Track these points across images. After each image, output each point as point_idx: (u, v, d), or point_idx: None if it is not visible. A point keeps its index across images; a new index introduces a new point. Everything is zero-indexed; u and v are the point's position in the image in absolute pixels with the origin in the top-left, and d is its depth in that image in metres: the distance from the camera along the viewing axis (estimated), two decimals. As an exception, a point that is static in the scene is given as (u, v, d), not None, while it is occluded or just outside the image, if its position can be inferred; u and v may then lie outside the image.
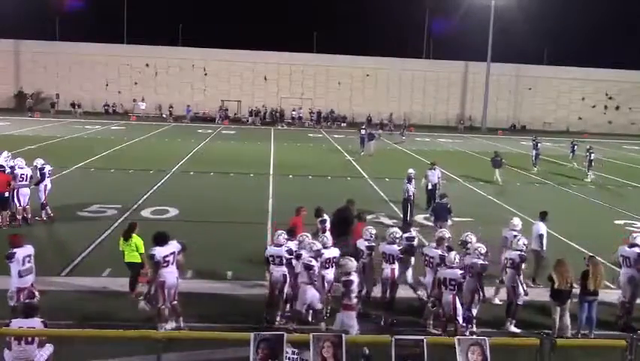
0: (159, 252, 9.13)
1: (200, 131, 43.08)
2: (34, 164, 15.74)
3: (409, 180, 16.87)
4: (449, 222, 14.40)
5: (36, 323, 6.94)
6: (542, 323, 10.08)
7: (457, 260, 9.28)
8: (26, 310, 7.13)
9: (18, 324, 6.89)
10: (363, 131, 33.67)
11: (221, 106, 54.29)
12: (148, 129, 41.81)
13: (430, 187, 18.31)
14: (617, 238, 11.88)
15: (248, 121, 52.84)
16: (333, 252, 9.96)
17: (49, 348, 7.17)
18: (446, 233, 10.62)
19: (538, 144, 29.85)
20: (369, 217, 17.35)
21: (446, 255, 9.72)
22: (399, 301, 10.32)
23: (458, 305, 9.11)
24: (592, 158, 26.63)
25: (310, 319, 9.77)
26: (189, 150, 31.06)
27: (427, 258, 10.17)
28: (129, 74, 56.80)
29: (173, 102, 53.08)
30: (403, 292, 10.58)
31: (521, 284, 9.90)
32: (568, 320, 9.70)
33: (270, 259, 9.75)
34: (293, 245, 9.93)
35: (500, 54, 55.03)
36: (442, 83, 60.15)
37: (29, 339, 6.90)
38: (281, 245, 9.77)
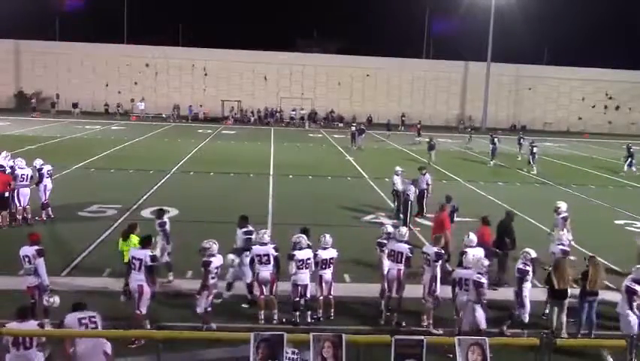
0: (133, 250, 9.30)
1: (200, 131, 43.05)
2: (34, 164, 15.75)
3: (412, 181, 17.02)
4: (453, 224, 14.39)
5: (31, 325, 6.76)
6: (542, 323, 10.08)
7: (473, 261, 9.31)
8: (18, 314, 6.90)
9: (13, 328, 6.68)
10: (353, 128, 36.50)
11: (231, 107, 54.33)
12: (148, 129, 41.81)
13: (416, 193, 18.36)
14: (618, 238, 11.88)
15: (250, 121, 52.87)
16: (331, 253, 9.99)
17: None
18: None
19: (495, 140, 31.71)
20: (368, 217, 17.46)
21: (442, 252, 9.88)
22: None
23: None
24: (534, 151, 28.82)
25: (309, 319, 9.78)
26: (189, 150, 31.06)
27: (425, 256, 10.19)
28: (129, 74, 56.82)
29: (173, 102, 53.07)
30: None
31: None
32: (564, 318, 9.77)
33: (257, 258, 9.75)
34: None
35: (500, 54, 55.04)
36: (442, 83, 60.09)
37: (27, 344, 6.68)
38: (266, 243, 9.80)
